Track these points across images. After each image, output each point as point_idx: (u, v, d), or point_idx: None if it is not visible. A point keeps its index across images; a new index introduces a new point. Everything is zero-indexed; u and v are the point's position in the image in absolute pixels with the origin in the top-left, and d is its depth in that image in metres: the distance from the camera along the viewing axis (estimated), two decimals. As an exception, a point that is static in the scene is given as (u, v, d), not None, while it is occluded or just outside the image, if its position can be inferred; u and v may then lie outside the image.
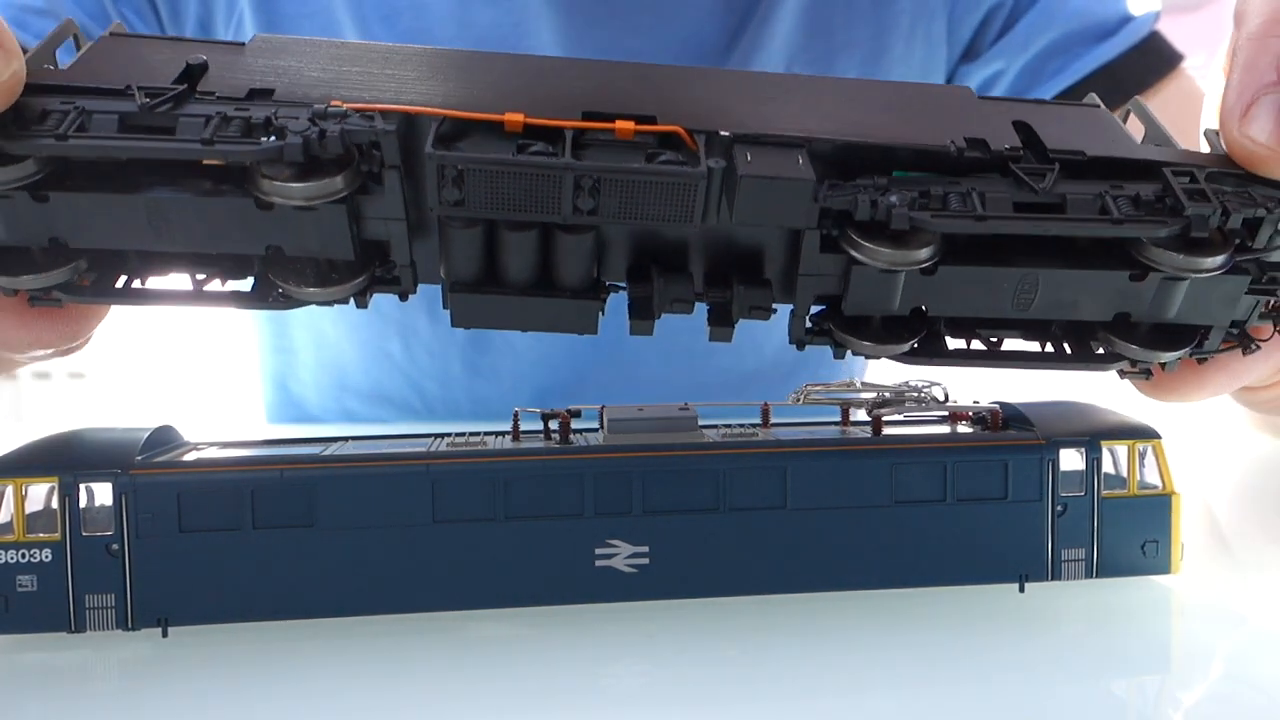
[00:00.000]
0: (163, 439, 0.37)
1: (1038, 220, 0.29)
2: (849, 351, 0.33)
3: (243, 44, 0.32)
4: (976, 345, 0.34)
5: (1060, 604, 0.38)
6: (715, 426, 0.40)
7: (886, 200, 0.29)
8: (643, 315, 0.32)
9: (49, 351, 0.34)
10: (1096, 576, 0.38)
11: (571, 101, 0.30)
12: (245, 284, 0.33)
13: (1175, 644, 0.37)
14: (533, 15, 0.70)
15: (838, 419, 0.43)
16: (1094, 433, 0.38)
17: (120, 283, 0.32)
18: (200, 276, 0.32)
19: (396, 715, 0.30)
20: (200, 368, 1.77)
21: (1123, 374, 0.35)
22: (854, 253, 0.30)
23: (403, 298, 0.33)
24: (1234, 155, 0.31)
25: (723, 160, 0.28)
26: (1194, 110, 0.71)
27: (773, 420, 0.42)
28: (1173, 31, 0.75)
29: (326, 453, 0.37)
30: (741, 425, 0.41)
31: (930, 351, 0.33)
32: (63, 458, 0.35)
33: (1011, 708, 0.31)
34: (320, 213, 0.29)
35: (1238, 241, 0.30)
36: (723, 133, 0.29)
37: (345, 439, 0.40)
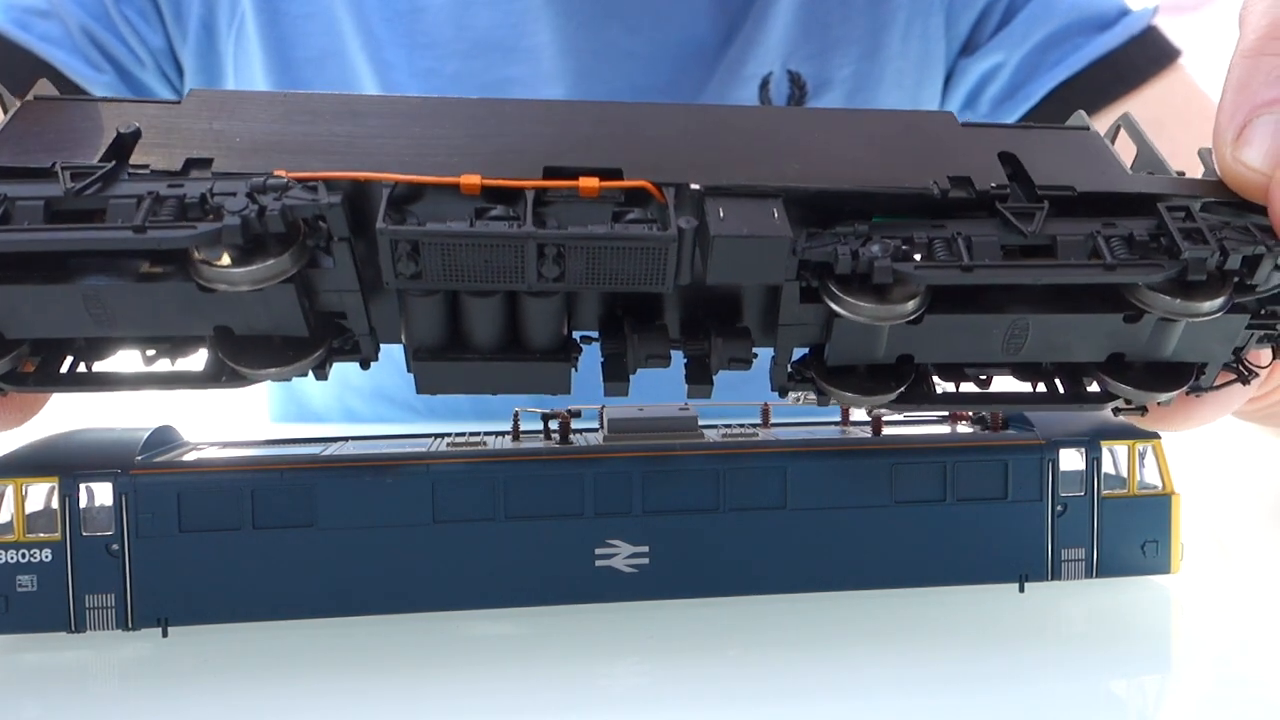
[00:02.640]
0: (163, 439, 0.37)
1: (1027, 268, 0.28)
2: (832, 401, 0.32)
3: (178, 101, 0.30)
4: (966, 387, 0.33)
5: (1060, 604, 0.38)
6: (715, 426, 0.40)
7: (868, 252, 0.27)
8: (616, 376, 0.31)
9: None
10: (1096, 576, 0.38)
11: (532, 153, 0.29)
12: (199, 357, 0.31)
13: (1175, 644, 0.37)
14: (531, 17, 0.70)
15: (838, 419, 0.43)
16: (1094, 433, 0.38)
17: (67, 365, 0.30)
18: (150, 352, 0.30)
19: (396, 715, 0.30)
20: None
21: (1118, 411, 0.35)
22: (835, 306, 0.28)
23: (364, 366, 0.32)
24: (1228, 181, 0.30)
25: (694, 220, 0.27)
26: (1193, 107, 0.72)
27: (773, 420, 0.42)
28: (1173, 31, 0.75)
29: (326, 453, 0.37)
30: (741, 425, 0.41)
31: (918, 397, 0.32)
32: (63, 458, 0.35)
33: (1012, 708, 0.31)
34: (267, 293, 0.27)
35: (1236, 280, 0.29)
36: (693, 186, 0.28)
37: (345, 439, 0.40)
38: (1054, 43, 0.73)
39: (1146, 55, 0.73)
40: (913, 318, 0.29)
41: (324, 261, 0.28)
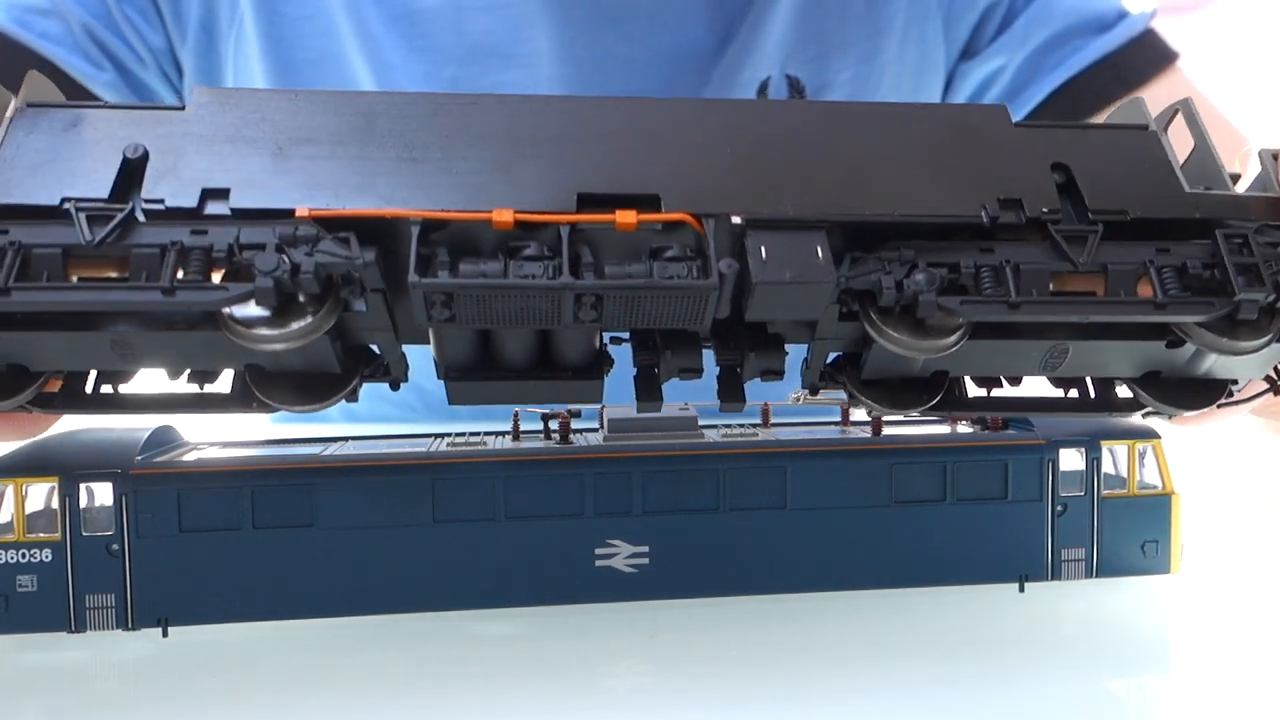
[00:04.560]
0: (163, 439, 0.37)
1: (1074, 305, 0.28)
2: (863, 407, 0.32)
3: (182, 107, 0.28)
4: (997, 392, 0.33)
5: (1060, 604, 0.38)
6: (715, 426, 0.40)
7: (913, 283, 0.27)
8: (649, 394, 0.30)
9: None
10: (1096, 576, 0.38)
11: (564, 170, 0.28)
12: (225, 376, 0.30)
13: (1175, 644, 0.37)
14: (527, 23, 0.70)
15: (838, 419, 0.43)
16: (1094, 433, 0.38)
17: (91, 385, 0.30)
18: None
19: (396, 714, 0.30)
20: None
21: (1146, 414, 0.35)
22: (876, 336, 0.28)
23: (394, 387, 0.31)
24: None
25: (735, 263, 0.26)
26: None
27: (773, 420, 0.42)
28: (1173, 32, 0.75)
29: (326, 453, 0.37)
30: (741, 425, 0.41)
31: (950, 404, 0.32)
32: (63, 458, 0.35)
33: (1012, 708, 0.31)
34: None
35: None
36: (734, 219, 0.27)
37: (345, 439, 0.40)
38: (1054, 46, 0.73)
39: (1145, 57, 0.73)
40: (952, 351, 0.28)
41: (355, 305, 0.27)
